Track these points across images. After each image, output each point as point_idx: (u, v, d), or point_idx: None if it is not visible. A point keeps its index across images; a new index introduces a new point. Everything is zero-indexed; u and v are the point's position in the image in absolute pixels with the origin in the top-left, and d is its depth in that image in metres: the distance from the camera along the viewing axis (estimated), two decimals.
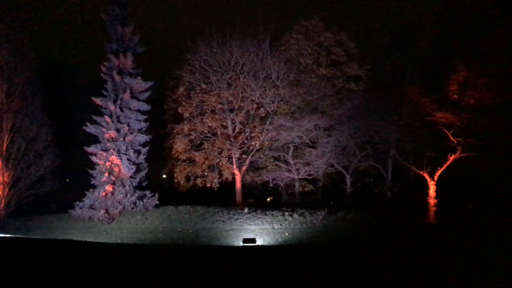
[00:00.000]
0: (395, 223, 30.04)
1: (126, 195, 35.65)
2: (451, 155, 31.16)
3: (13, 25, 37.56)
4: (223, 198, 39.36)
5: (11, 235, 30.13)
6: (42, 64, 41.18)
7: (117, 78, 36.72)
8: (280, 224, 31.08)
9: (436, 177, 31.89)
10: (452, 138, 30.74)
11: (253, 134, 37.76)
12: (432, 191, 32.07)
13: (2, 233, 31.44)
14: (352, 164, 37.70)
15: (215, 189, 39.85)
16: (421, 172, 32.29)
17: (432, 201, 32.03)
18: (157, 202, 36.62)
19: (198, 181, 39.85)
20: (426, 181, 32.30)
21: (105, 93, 37.36)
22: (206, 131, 38.64)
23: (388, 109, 34.09)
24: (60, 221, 35.39)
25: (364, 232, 28.95)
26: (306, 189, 39.89)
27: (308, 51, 39.24)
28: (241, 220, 32.19)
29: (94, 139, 37.18)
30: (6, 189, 36.62)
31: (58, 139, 39.60)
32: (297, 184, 39.15)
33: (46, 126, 38.64)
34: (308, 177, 38.24)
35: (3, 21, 37.34)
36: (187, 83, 39.32)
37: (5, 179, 36.51)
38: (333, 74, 39.60)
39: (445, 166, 31.56)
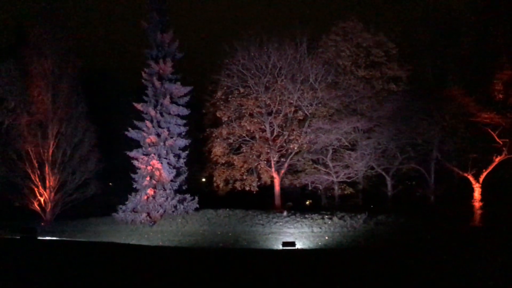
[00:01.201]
0: (439, 227, 29.23)
1: (167, 198, 36.23)
2: (496, 157, 30.09)
3: (58, 34, 38.91)
4: (261, 201, 39.36)
5: (58, 238, 31.14)
6: (85, 71, 42.47)
7: (157, 83, 37.43)
8: (320, 228, 30.84)
9: (481, 180, 30.85)
10: (497, 139, 29.69)
11: (291, 137, 37.65)
12: (477, 194, 31.04)
13: (49, 236, 32.52)
14: (393, 167, 36.99)
15: (254, 192, 39.94)
16: (465, 175, 31.33)
17: (477, 204, 30.99)
18: (197, 206, 37.01)
19: (237, 184, 40.06)
20: (470, 183, 31.30)
21: (145, 98, 38.15)
22: (244, 135, 38.81)
23: (430, 110, 33.31)
24: (104, 224, 36.30)
25: (406, 236, 28.32)
26: (346, 192, 39.41)
27: (346, 53, 38.85)
28: (280, 223, 32.13)
29: (136, 144, 37.99)
30: (52, 193, 37.88)
31: (101, 144, 40.65)
32: (336, 187, 38.75)
33: (90, 131, 39.74)
34: (347, 180, 37.77)
35: (48, 30, 38.75)
36: (225, 87, 39.64)
37: (51, 184, 37.77)
38: (372, 76, 39.03)
39: (490, 168, 30.51)
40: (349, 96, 37.45)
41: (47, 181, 37.59)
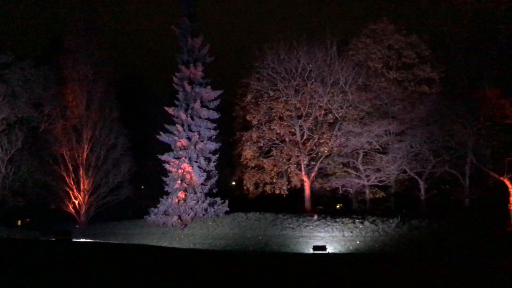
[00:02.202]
0: (474, 232, 28.46)
1: (197, 201, 36.52)
2: None
3: (92, 41, 39.90)
4: (292, 205, 39.20)
5: (92, 240, 31.80)
6: (117, 76, 43.44)
7: (188, 88, 37.86)
8: (351, 232, 30.49)
9: None
10: None
11: (321, 141, 37.39)
12: None
13: (83, 238, 33.28)
14: (426, 170, 36.24)
15: (284, 196, 39.82)
16: (501, 178, 30.42)
17: None
18: (227, 209, 37.19)
19: (267, 188, 39.99)
20: (506, 187, 30.37)
21: (176, 102, 38.65)
22: (274, 138, 38.76)
23: (464, 112, 32.52)
24: (137, 226, 36.89)
25: (440, 241, 27.69)
26: (377, 196, 38.83)
27: (377, 55, 38.34)
28: (311, 227, 31.92)
29: (167, 147, 38.48)
30: (87, 196, 38.77)
31: (133, 148, 41.41)
32: (367, 191, 38.24)
33: (122, 135, 40.54)
34: (379, 183, 37.21)
35: (83, 37, 39.77)
36: (255, 91, 39.70)
37: (85, 187, 38.67)
38: (404, 78, 38.39)
39: None
40: (380, 98, 36.94)
41: (81, 184, 38.51)
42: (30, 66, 40.74)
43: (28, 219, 43.45)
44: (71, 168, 38.10)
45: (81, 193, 38.50)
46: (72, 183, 38.22)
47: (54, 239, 29.98)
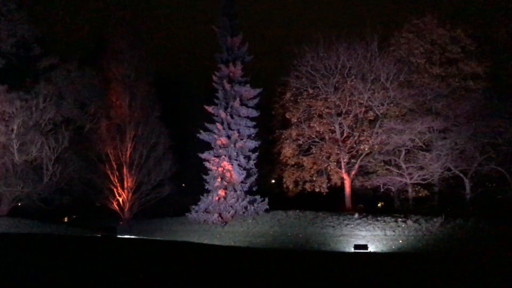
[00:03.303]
0: None
1: (237, 199, 36.78)
2: None
3: (134, 42, 40.81)
4: (331, 203, 38.90)
5: (136, 237, 32.57)
6: (159, 76, 44.20)
7: (227, 86, 38.15)
8: (393, 231, 29.98)
9: None
10: None
11: (362, 138, 36.92)
12: None
13: (127, 234, 34.12)
14: (471, 168, 35.17)
15: (324, 194, 39.56)
16: None
17: None
18: (267, 207, 37.26)
19: (307, 186, 39.86)
20: None
21: (216, 101, 39.03)
22: (313, 136, 38.57)
23: (511, 108, 31.36)
24: (178, 224, 37.52)
25: (486, 241, 26.83)
26: (420, 195, 37.98)
27: (420, 50, 37.41)
28: (352, 225, 31.59)
29: (207, 146, 38.92)
30: (130, 194, 39.74)
31: (175, 146, 42.11)
32: (410, 189, 37.44)
33: (164, 134, 41.28)
34: (422, 182, 36.39)
35: (124, 38, 40.73)
36: (294, 89, 39.62)
37: (129, 184, 39.64)
38: (448, 73, 37.31)
39: None
40: (423, 94, 36.09)
41: (125, 182, 39.50)
42: (75, 67, 42.01)
43: (74, 216, 44.99)
44: (115, 167, 39.13)
45: (125, 190, 39.48)
46: (116, 181, 39.26)
47: (99, 235, 30.90)
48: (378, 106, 36.48)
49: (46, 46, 44.65)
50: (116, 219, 39.55)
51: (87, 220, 40.86)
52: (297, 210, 35.64)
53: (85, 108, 40.87)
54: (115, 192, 39.39)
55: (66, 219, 44.22)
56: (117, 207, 39.70)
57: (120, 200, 39.66)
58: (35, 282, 13.46)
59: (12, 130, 37.02)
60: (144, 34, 42.68)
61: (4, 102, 36.64)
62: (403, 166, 36.30)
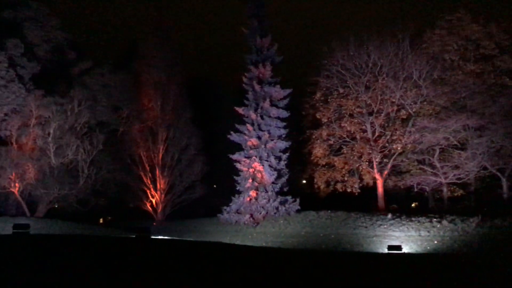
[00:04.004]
0: None
1: (268, 200, 36.78)
2: None
3: (165, 46, 41.41)
4: (364, 203, 38.45)
5: (169, 237, 32.97)
6: (189, 78, 44.72)
7: (257, 87, 38.23)
8: (428, 231, 29.40)
9: None
10: None
11: (394, 137, 36.36)
12: None
13: (160, 235, 34.54)
14: (509, 167, 34.20)
15: (356, 194, 39.16)
16: None
17: None
18: (299, 207, 37.14)
19: (338, 186, 39.51)
20: None
21: (246, 102, 39.15)
22: (344, 136, 38.24)
23: None
24: (210, 224, 37.77)
25: None
26: (456, 194, 37.12)
27: (454, 47, 36.62)
28: (385, 226, 31.14)
29: (238, 147, 39.08)
30: (163, 195, 40.31)
31: (206, 148, 42.45)
32: (445, 189, 36.66)
33: (195, 136, 41.72)
34: (457, 181, 35.59)
35: (155, 42, 41.37)
36: (324, 88, 39.39)
37: (161, 186, 40.21)
38: (483, 70, 36.38)
39: None
40: (457, 92, 35.31)
41: (158, 184, 40.09)
42: (108, 71, 43.01)
43: (109, 217, 45.87)
44: (148, 168, 39.78)
45: (158, 192, 40.08)
46: (149, 183, 39.89)
47: (133, 236, 31.41)
48: (410, 104, 35.89)
49: (79, 51, 45.88)
50: (149, 220, 40.15)
51: (121, 221, 41.60)
52: (329, 211, 35.39)
53: (118, 111, 41.74)
54: (148, 193, 40.03)
55: (101, 220, 45.14)
56: (150, 208, 40.32)
57: (153, 201, 40.26)
58: (76, 282, 13.78)
59: (49, 133, 38.11)
60: (174, 37, 43.29)
61: (41, 106, 37.75)
62: (438, 165, 35.59)
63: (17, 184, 36.62)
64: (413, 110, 36.06)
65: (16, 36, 39.45)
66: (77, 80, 41.58)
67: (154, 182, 40.11)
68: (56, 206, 39.50)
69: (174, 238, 32.44)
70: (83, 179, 39.04)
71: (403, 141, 35.82)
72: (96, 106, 40.99)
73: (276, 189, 37.44)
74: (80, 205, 39.33)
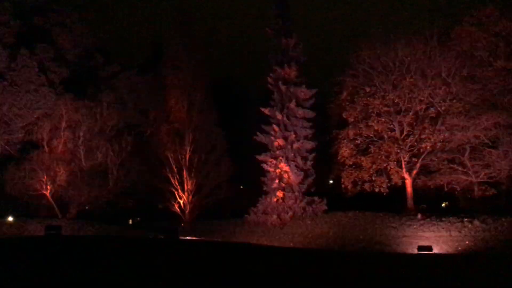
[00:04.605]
0: None
1: (295, 200, 36.71)
2: None
3: (190, 48, 41.74)
4: (392, 203, 37.92)
5: (197, 238, 33.27)
6: (215, 80, 44.98)
7: (283, 88, 38.21)
8: (459, 231, 28.91)
9: None
10: None
11: (423, 136, 35.72)
12: None
13: (189, 235, 34.91)
14: None
15: (384, 194, 38.64)
16: None
17: None
18: (326, 208, 36.97)
19: (366, 186, 39.00)
20: None
21: (272, 103, 39.18)
22: (372, 135, 37.75)
23: None
24: (237, 225, 37.91)
25: None
26: (487, 194, 36.21)
27: (483, 43, 35.75)
28: (414, 226, 30.73)
29: (264, 148, 39.09)
30: (190, 196, 40.64)
31: (232, 149, 42.60)
32: (476, 188, 35.80)
33: (221, 137, 41.92)
34: (488, 180, 34.75)
35: (181, 45, 41.75)
36: (350, 88, 39.03)
37: (189, 187, 40.54)
38: None
39: None
40: (487, 89, 34.48)
41: (185, 185, 40.45)
42: (135, 74, 43.67)
43: (138, 218, 46.51)
44: (175, 170, 40.13)
45: (185, 193, 40.42)
46: (177, 184, 40.25)
47: (162, 237, 31.83)
48: (439, 102, 35.23)
49: (107, 55, 46.76)
50: (177, 221, 40.54)
51: (150, 222, 42.14)
52: (357, 211, 35.10)
53: (146, 113, 42.27)
54: (176, 194, 40.41)
55: (130, 222, 45.80)
56: (178, 209, 40.69)
57: (181, 202, 40.63)
58: (106, 283, 14.04)
59: (79, 137, 38.94)
60: (199, 39, 43.54)
61: (71, 110, 38.59)
62: (468, 164, 34.84)
63: (48, 187, 37.49)
64: (442, 108, 35.38)
65: (46, 42, 40.48)
66: (106, 83, 42.37)
67: (181, 183, 40.45)
68: (87, 207, 40.28)
69: (202, 239, 32.70)
70: (112, 181, 39.72)
71: (432, 140, 35.17)
72: (124, 109, 41.67)
73: (303, 190, 37.35)
74: (109, 207, 40.02)
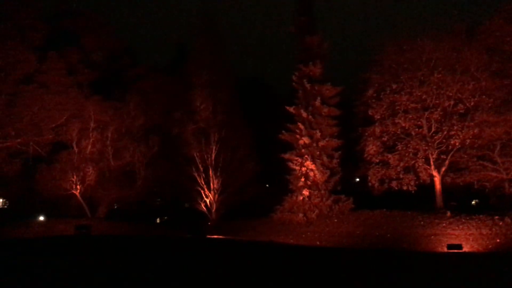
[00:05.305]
0: None
1: (321, 199, 36.55)
2: None
3: (214, 47, 41.97)
4: (421, 201, 37.39)
5: (224, 237, 33.43)
6: (239, 78, 45.13)
7: (308, 86, 38.07)
8: (490, 229, 28.32)
9: None
10: None
11: (451, 133, 35.01)
12: None
13: (216, 234, 35.11)
14: None
15: (412, 192, 38.09)
16: None
17: None
18: (353, 206, 36.73)
19: (393, 184, 38.51)
20: None
21: (297, 101, 39.07)
22: (398, 132, 37.24)
23: None
24: (263, 224, 37.96)
25: None
26: None
27: None
28: (444, 224, 30.24)
29: (289, 146, 39.03)
30: (216, 195, 40.87)
31: (257, 148, 42.67)
32: (507, 185, 35.00)
33: (246, 136, 42.02)
34: None
35: (205, 45, 42.02)
36: (376, 85, 38.51)
37: (215, 186, 40.78)
38: None
39: None
40: None
41: (211, 184, 40.69)
42: (161, 76, 44.19)
43: (165, 217, 47.05)
44: (201, 169, 40.42)
45: (211, 192, 40.67)
46: (203, 183, 40.53)
47: (189, 235, 32.13)
48: (468, 98, 34.51)
49: (133, 57, 47.46)
50: (204, 220, 40.83)
51: (177, 221, 42.58)
52: (384, 209, 34.76)
53: (171, 113, 42.70)
54: (202, 193, 40.70)
55: (158, 220, 46.37)
56: (204, 208, 40.98)
57: (207, 201, 40.91)
58: (135, 281, 14.26)
59: (107, 137, 39.62)
60: (224, 38, 43.85)
61: (99, 111, 39.33)
62: (499, 160, 34.08)
63: (78, 186, 38.31)
64: (471, 104, 34.65)
65: (73, 44, 41.32)
66: (132, 84, 43.02)
67: (207, 182, 40.72)
68: (115, 207, 40.97)
69: (229, 237, 32.85)
70: (140, 181, 40.30)
71: (461, 137, 34.46)
72: (150, 109, 42.22)
73: (329, 188, 37.18)
74: (137, 206, 40.61)
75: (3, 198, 44.54)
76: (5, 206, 44.73)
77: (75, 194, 38.53)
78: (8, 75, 35.83)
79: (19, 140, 36.61)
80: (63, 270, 15.83)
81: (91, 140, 39.57)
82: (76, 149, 39.09)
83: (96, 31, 44.09)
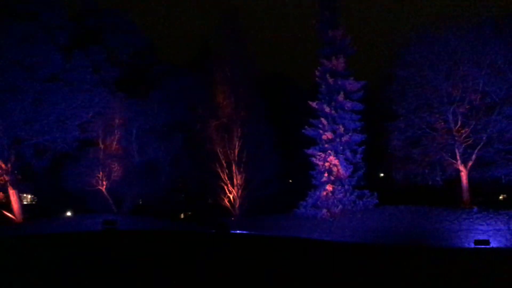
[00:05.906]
0: None
1: (345, 194, 36.36)
2: None
3: (236, 44, 41.99)
4: (446, 196, 36.82)
5: (247, 232, 33.54)
6: (261, 74, 45.09)
7: (330, 80, 37.81)
8: None
9: None
10: None
11: (478, 127, 34.36)
12: None
13: (239, 229, 35.25)
14: None
15: (437, 187, 37.52)
16: None
17: None
18: (377, 201, 36.43)
19: (418, 179, 38.01)
20: None
21: (319, 96, 38.88)
22: (424, 126, 36.70)
23: None
24: (287, 219, 37.98)
25: None
26: None
27: None
28: (470, 220, 29.79)
29: (312, 141, 38.87)
30: (240, 191, 41.00)
31: (280, 143, 42.61)
32: None
33: (269, 131, 41.97)
34: None
35: (228, 42, 42.09)
36: (400, 79, 38.03)
37: (238, 182, 40.90)
38: None
39: None
40: None
41: (234, 179, 40.82)
42: (184, 72, 44.44)
43: (189, 213, 47.44)
44: (224, 165, 40.59)
45: (235, 187, 40.82)
46: (226, 179, 40.71)
47: (213, 231, 32.31)
48: (495, 91, 33.78)
49: (157, 54, 47.85)
50: (227, 215, 41.03)
51: (201, 217, 42.89)
52: (409, 205, 34.34)
53: (195, 109, 42.94)
54: (226, 189, 40.89)
55: (182, 216, 46.79)
56: (228, 204, 41.18)
57: (231, 196, 41.09)
58: (161, 276, 14.46)
59: (131, 134, 40.12)
60: (246, 34, 43.85)
61: (123, 108, 39.83)
62: None
63: (104, 182, 38.92)
64: (499, 98, 33.92)
65: (99, 43, 41.86)
66: (156, 82, 43.37)
67: (231, 178, 40.87)
68: (140, 202, 41.49)
69: (252, 233, 32.95)
70: (164, 177, 40.69)
71: (488, 131, 33.80)
72: (174, 106, 42.51)
73: (352, 183, 36.96)
74: (162, 202, 41.04)
75: (31, 194, 45.55)
76: (34, 202, 45.75)
77: (101, 190, 39.16)
78: (35, 74, 36.53)
79: (46, 137, 37.31)
80: (92, 265, 16.16)
81: (116, 137, 40.16)
82: (101, 146, 39.71)
83: (120, 29, 44.57)
